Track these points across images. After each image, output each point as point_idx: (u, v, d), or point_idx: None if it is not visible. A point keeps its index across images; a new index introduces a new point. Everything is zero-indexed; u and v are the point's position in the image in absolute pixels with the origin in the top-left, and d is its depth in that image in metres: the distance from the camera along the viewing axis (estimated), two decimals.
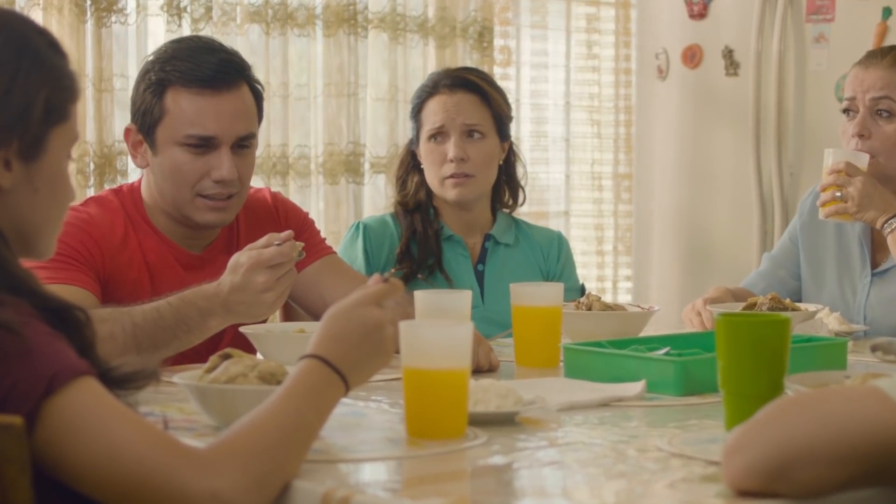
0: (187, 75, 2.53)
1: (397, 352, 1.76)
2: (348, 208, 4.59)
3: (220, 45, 2.62)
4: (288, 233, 2.34)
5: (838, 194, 2.92)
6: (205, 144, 2.54)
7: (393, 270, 3.07)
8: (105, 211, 2.60)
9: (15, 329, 1.45)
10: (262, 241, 2.35)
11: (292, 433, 1.55)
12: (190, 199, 2.56)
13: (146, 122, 2.56)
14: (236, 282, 2.30)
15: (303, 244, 2.36)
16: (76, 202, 2.52)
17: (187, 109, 2.53)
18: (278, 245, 2.30)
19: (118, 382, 1.58)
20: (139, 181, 2.67)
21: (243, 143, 2.58)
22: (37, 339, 1.47)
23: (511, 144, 3.25)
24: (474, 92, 3.16)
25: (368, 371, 1.68)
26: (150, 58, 2.60)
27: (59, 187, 1.64)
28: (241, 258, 2.31)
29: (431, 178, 3.16)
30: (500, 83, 3.53)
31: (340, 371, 1.63)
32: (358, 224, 3.19)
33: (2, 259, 1.56)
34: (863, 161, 2.95)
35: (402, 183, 3.22)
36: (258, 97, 2.62)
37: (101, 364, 1.57)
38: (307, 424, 1.58)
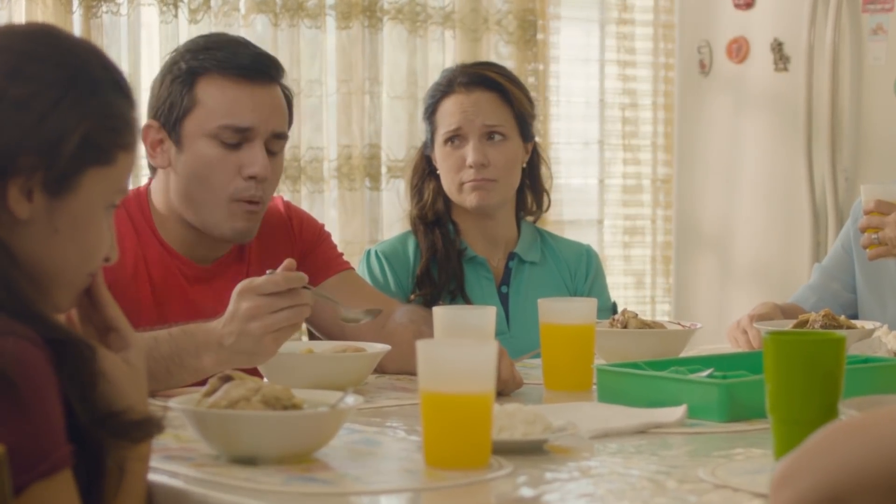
0: (224, 63, 2.54)
1: None
2: (364, 217, 4.58)
3: (254, 43, 2.66)
4: (287, 262, 2.24)
5: (874, 237, 2.94)
6: (238, 139, 2.53)
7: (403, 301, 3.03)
8: None
9: (8, 377, 1.46)
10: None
11: None
12: (223, 203, 2.54)
13: (171, 116, 2.55)
14: (228, 310, 2.24)
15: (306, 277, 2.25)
16: None
17: (222, 99, 2.53)
18: (270, 273, 2.20)
19: (119, 432, 1.60)
20: (146, 186, 2.66)
21: (274, 147, 2.58)
22: (31, 399, 1.48)
23: (535, 145, 3.22)
24: (493, 90, 3.12)
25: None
26: (180, 49, 2.62)
27: (84, 235, 1.62)
28: (237, 286, 2.25)
29: (448, 185, 3.13)
30: (527, 79, 3.52)
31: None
32: (375, 253, 3.14)
33: (11, 281, 1.56)
34: None
35: (417, 192, 3.20)
36: (289, 102, 2.64)
37: (102, 409, 1.58)
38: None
